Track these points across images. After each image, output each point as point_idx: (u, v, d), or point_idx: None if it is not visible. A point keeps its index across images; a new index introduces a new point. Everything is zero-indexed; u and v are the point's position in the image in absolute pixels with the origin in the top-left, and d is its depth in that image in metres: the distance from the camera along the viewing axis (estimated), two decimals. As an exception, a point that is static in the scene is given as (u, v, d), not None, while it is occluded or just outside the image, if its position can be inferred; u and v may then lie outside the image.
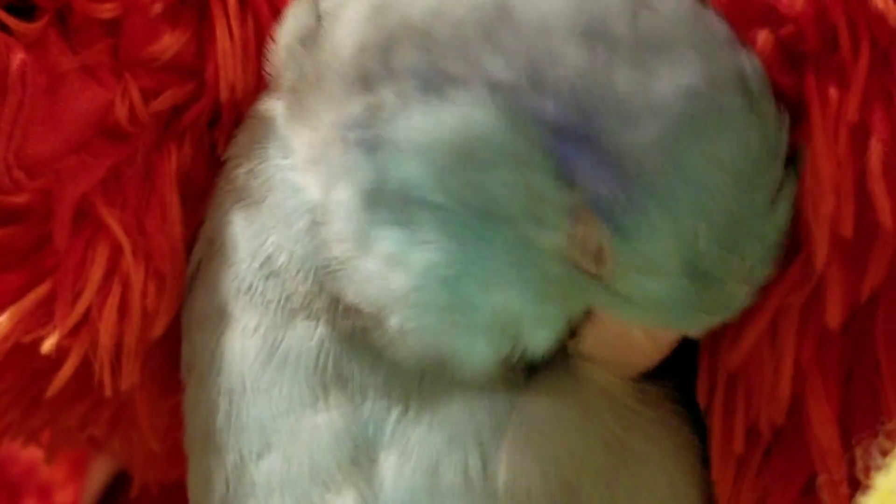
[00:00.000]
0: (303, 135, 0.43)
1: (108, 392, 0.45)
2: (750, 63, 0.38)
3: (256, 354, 0.43)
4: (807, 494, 0.40)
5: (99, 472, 0.65)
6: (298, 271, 0.42)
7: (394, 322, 0.40)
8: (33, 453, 0.70)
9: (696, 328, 0.39)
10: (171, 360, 0.47)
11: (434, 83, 0.38)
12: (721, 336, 0.41)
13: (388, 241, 0.40)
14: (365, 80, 0.40)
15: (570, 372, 0.41)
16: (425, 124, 0.38)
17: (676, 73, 0.37)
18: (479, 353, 0.40)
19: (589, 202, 0.37)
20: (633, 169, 0.36)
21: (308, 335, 0.42)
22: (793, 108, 0.39)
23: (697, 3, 0.38)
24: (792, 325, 0.39)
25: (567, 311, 0.40)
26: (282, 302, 0.43)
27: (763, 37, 0.39)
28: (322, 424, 0.42)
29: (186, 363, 0.46)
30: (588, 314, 0.40)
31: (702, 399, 0.41)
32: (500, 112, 0.37)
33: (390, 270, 0.40)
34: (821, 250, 0.38)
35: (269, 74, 0.45)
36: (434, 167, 0.39)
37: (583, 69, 0.37)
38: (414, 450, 0.41)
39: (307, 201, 0.42)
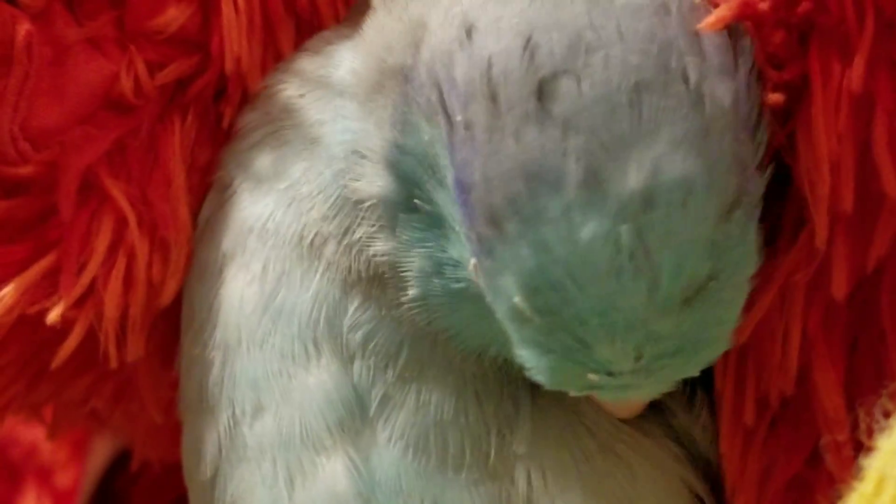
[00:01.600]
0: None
1: (113, 364, 0.45)
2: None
3: (255, 305, 0.42)
4: (812, 462, 0.40)
5: (100, 454, 0.65)
6: (324, 199, 0.42)
7: (413, 293, 0.40)
8: (34, 435, 0.70)
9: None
10: (174, 332, 0.46)
11: None
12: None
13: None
14: None
15: None
16: None
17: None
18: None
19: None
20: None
21: (307, 283, 0.42)
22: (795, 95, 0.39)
23: None
24: (799, 297, 0.39)
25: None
26: (294, 239, 0.42)
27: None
28: (313, 385, 0.41)
29: (185, 320, 0.45)
30: None
31: (715, 374, 0.41)
32: None
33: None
34: (821, 229, 0.38)
35: None
36: None
37: None
38: (404, 422, 0.41)
39: (352, 129, 0.41)
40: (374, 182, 0.40)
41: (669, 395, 0.40)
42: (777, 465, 0.40)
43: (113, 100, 0.45)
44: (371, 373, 0.41)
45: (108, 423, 0.54)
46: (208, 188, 0.46)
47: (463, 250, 0.37)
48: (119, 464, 0.64)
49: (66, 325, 0.44)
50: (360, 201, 0.41)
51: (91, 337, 0.45)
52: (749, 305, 0.39)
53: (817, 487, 0.40)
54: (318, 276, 0.42)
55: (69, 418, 0.52)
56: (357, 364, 0.41)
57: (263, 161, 0.44)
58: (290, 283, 0.42)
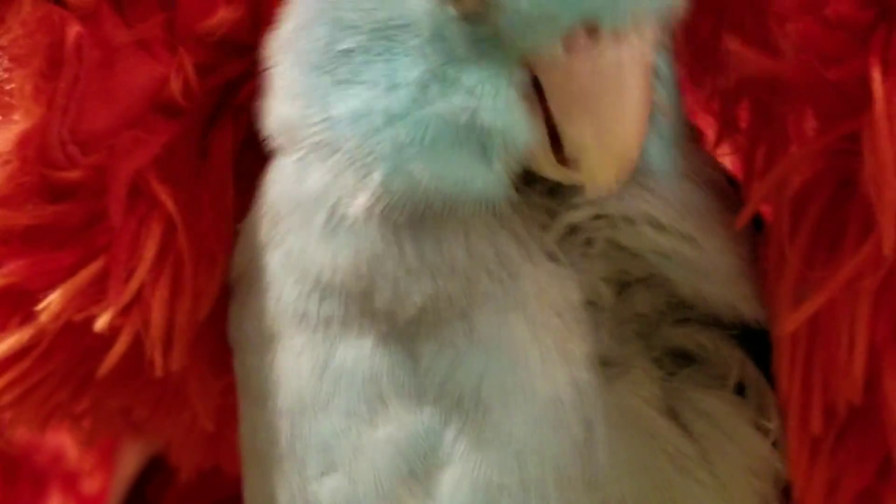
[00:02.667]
0: None
1: (158, 372, 0.45)
2: None
3: (311, 372, 0.42)
4: (883, 475, 0.39)
5: (131, 460, 0.65)
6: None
7: (377, 178, 0.39)
8: (59, 441, 0.70)
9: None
10: (221, 340, 0.46)
11: None
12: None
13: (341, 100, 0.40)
14: None
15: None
16: None
17: None
18: (475, 174, 0.39)
19: None
20: None
21: (359, 345, 0.41)
22: (852, 95, 0.38)
23: None
24: (866, 304, 0.38)
25: (499, 70, 0.39)
26: (330, 317, 0.42)
27: (803, 27, 0.38)
28: (382, 439, 0.41)
29: (241, 385, 0.45)
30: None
31: (781, 382, 0.41)
32: None
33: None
34: (889, 236, 0.37)
35: None
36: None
37: None
38: (472, 465, 0.40)
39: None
40: None
41: (743, 406, 0.41)
42: (846, 476, 0.40)
43: (162, 103, 0.44)
44: (438, 418, 0.41)
45: (144, 430, 0.53)
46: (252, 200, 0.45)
47: None
48: (151, 470, 0.64)
49: (112, 332, 0.44)
50: None
51: (136, 345, 0.44)
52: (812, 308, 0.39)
53: (888, 501, 0.39)
54: (368, 337, 0.41)
55: (108, 426, 0.52)
56: (425, 411, 0.41)
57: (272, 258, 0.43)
58: (344, 349, 0.41)
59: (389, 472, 0.41)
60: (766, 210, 0.42)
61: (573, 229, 0.41)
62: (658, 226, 0.41)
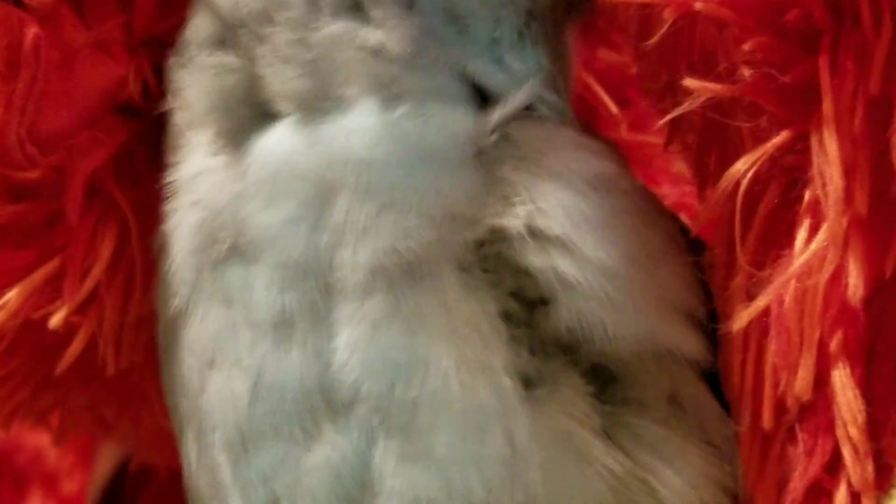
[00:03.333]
0: None
1: (110, 370, 0.46)
2: None
3: (246, 396, 0.41)
4: (831, 470, 0.39)
5: (107, 460, 0.65)
6: None
7: None
8: (39, 441, 0.70)
9: None
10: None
11: None
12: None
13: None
14: None
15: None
16: None
17: None
18: None
19: None
20: None
21: (291, 360, 0.41)
22: (802, 99, 0.39)
23: None
24: (816, 301, 0.39)
25: None
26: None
27: (761, 41, 0.39)
28: (318, 464, 0.40)
29: (175, 423, 0.44)
30: None
31: (732, 379, 0.41)
32: None
33: None
34: (836, 232, 0.38)
35: None
36: None
37: None
38: (400, 482, 0.40)
39: None
40: None
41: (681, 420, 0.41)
42: (796, 471, 0.40)
43: (121, 104, 0.45)
44: (368, 439, 0.40)
45: (114, 429, 0.54)
46: None
47: None
48: (126, 470, 0.64)
49: (69, 330, 0.45)
50: None
51: (95, 344, 0.45)
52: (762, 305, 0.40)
53: (837, 494, 0.39)
54: (301, 351, 0.41)
55: (76, 425, 0.53)
56: (355, 425, 0.40)
57: None
58: (278, 365, 0.41)
59: (329, 500, 0.40)
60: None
61: (481, 242, 0.41)
62: (552, 243, 0.40)
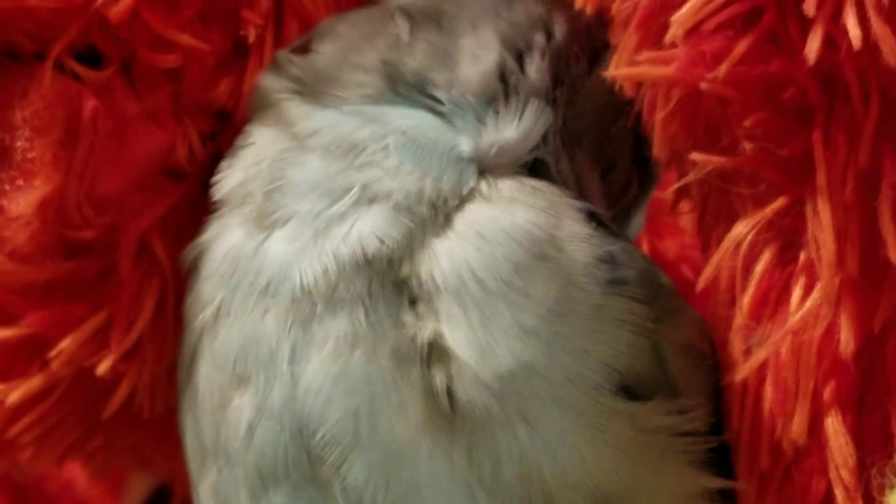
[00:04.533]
0: None
1: (146, 414, 0.49)
2: None
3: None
4: (825, 508, 0.42)
5: (138, 489, 0.68)
6: None
7: None
8: (69, 469, 0.72)
9: None
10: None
11: None
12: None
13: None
14: None
15: None
16: None
17: None
18: None
19: None
20: None
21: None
22: (798, 169, 0.41)
23: None
24: (811, 353, 0.41)
25: None
26: None
27: (761, 117, 0.41)
28: None
29: (191, 456, 0.46)
30: None
31: (732, 423, 0.44)
32: None
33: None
34: (830, 292, 0.41)
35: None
36: None
37: None
38: None
39: None
40: None
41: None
42: (792, 508, 0.43)
43: (169, 168, 0.48)
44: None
45: (153, 464, 0.56)
46: None
47: None
48: (157, 499, 0.66)
49: (116, 377, 0.48)
50: None
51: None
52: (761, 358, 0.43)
53: (830, 531, 0.42)
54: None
55: (119, 461, 0.55)
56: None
57: None
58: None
59: None
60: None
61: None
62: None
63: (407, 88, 0.45)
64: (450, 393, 0.40)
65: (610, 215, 0.48)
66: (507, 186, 0.43)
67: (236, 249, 0.43)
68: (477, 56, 0.46)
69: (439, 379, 0.40)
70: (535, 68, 0.46)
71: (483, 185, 0.43)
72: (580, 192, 0.46)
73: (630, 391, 0.42)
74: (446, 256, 0.41)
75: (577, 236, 0.42)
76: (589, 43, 0.48)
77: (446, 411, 0.40)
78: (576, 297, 0.41)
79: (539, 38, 0.47)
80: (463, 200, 0.43)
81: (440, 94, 0.45)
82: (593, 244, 0.42)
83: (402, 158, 0.43)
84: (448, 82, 0.45)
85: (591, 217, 0.43)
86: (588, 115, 0.48)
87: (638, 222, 0.53)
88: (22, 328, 0.47)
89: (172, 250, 0.48)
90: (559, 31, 0.48)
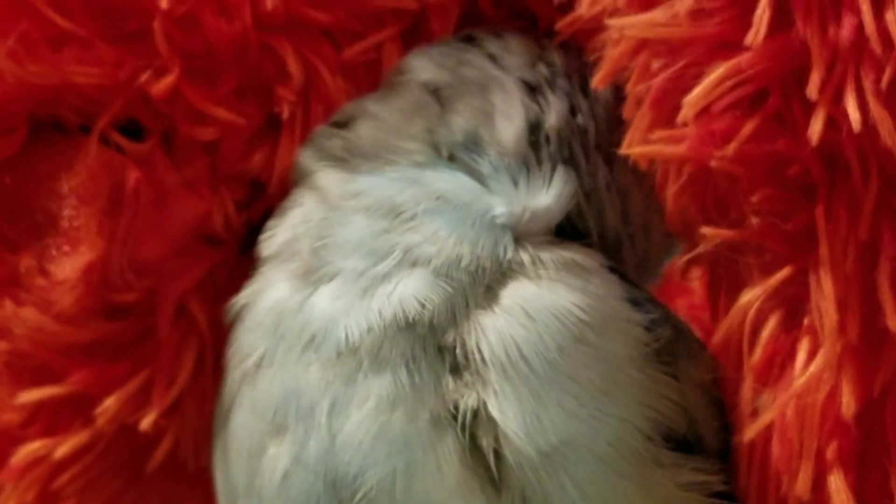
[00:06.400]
0: None
1: (191, 467, 0.51)
2: None
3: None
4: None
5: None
6: None
7: None
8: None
9: None
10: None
11: None
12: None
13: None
14: None
15: None
16: None
17: None
18: None
19: None
20: None
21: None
22: (802, 242, 0.43)
23: None
24: (814, 415, 0.43)
25: None
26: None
27: (767, 193, 0.43)
28: None
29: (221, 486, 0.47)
30: None
31: (740, 479, 0.45)
32: None
33: None
34: (832, 357, 0.42)
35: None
36: None
37: None
38: None
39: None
40: None
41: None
42: (798, 561, 0.44)
43: (206, 234, 0.50)
44: None
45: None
46: None
47: None
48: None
49: (158, 433, 0.50)
50: None
51: (178, 443, 0.51)
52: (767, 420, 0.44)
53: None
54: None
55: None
56: None
57: None
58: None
59: None
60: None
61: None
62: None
63: (456, 149, 0.47)
64: (497, 455, 0.42)
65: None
66: (551, 261, 0.45)
67: (282, 303, 0.45)
68: (509, 115, 0.48)
69: (486, 441, 0.42)
70: (553, 107, 0.49)
71: (525, 257, 0.45)
72: (600, 225, 0.49)
73: (669, 442, 0.44)
74: (493, 331, 0.43)
75: (619, 318, 0.44)
76: (578, 63, 0.50)
77: (494, 472, 0.42)
78: (619, 379, 0.43)
79: (543, 70, 0.50)
80: (506, 272, 0.44)
81: (485, 153, 0.47)
82: (634, 325, 0.44)
83: (438, 223, 0.45)
84: (492, 140, 0.47)
85: (615, 272, 0.46)
86: (600, 122, 0.50)
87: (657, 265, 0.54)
88: (67, 386, 0.49)
89: (209, 312, 0.50)
90: (556, 56, 0.50)
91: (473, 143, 0.47)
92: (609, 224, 0.49)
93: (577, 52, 0.50)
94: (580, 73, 0.50)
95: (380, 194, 0.45)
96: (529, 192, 0.46)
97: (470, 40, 0.51)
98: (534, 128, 0.48)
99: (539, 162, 0.47)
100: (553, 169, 0.47)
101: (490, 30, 0.52)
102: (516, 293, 0.44)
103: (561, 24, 0.50)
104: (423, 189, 0.45)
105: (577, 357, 0.43)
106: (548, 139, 0.48)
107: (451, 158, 0.47)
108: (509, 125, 0.47)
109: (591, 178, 0.49)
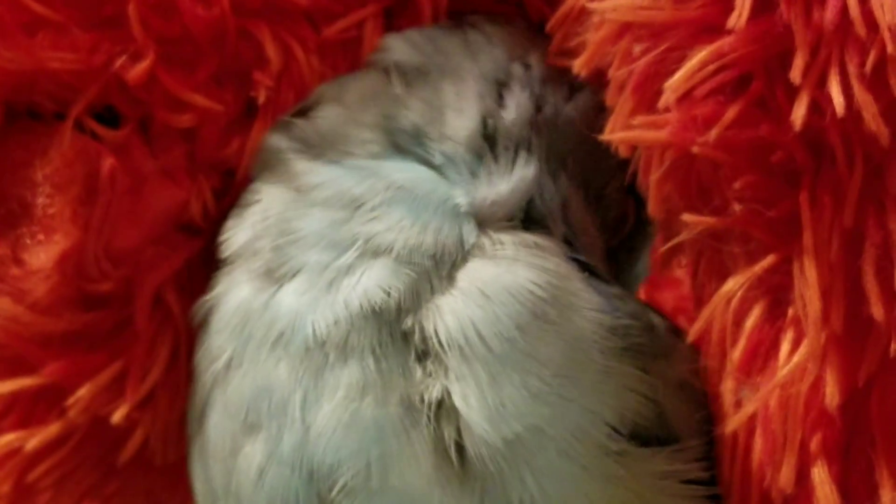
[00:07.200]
0: None
1: (159, 461, 0.50)
2: None
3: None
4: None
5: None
6: None
7: None
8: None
9: None
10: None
11: None
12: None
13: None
14: None
15: None
16: None
17: None
18: None
19: None
20: None
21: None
22: (786, 229, 0.43)
23: None
24: (798, 406, 0.43)
25: None
26: None
27: (750, 180, 0.43)
28: None
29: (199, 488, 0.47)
30: None
31: (723, 472, 0.45)
32: None
33: None
34: (816, 347, 0.42)
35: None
36: None
37: None
38: None
39: None
40: None
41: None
42: (781, 555, 0.44)
43: (183, 223, 0.49)
44: None
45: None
46: None
47: None
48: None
49: (131, 425, 0.49)
50: None
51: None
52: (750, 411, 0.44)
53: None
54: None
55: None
56: None
57: None
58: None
59: None
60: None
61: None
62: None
63: (406, 142, 0.47)
64: (459, 447, 0.42)
65: (612, 244, 0.51)
66: (510, 242, 0.45)
67: (247, 303, 0.45)
68: (460, 109, 0.47)
69: (448, 433, 0.42)
70: (515, 103, 0.48)
71: (485, 241, 0.45)
72: (565, 216, 0.48)
73: (636, 439, 0.43)
74: (450, 313, 0.43)
75: (580, 298, 0.44)
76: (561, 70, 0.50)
77: (455, 465, 0.42)
78: (580, 360, 0.43)
79: (517, 70, 0.49)
80: (466, 256, 0.44)
81: (434, 147, 0.47)
82: (596, 306, 0.44)
83: (399, 212, 0.45)
84: (440, 136, 0.47)
85: (583, 267, 0.45)
86: (571, 137, 0.49)
87: (645, 261, 0.54)
88: (41, 377, 0.48)
89: (186, 303, 0.49)
90: (536, 61, 0.50)
91: (421, 136, 0.47)
92: (574, 217, 0.49)
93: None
94: (563, 78, 0.49)
95: (338, 186, 0.46)
96: (489, 182, 0.46)
97: (459, 26, 0.50)
98: (487, 122, 0.47)
99: (495, 156, 0.47)
100: (513, 161, 0.47)
101: (486, 17, 0.51)
102: (474, 274, 0.44)
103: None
104: (381, 180, 0.45)
105: (536, 334, 0.42)
106: (507, 134, 0.48)
107: (407, 148, 0.47)
108: (459, 119, 0.47)
109: (552, 176, 0.49)
